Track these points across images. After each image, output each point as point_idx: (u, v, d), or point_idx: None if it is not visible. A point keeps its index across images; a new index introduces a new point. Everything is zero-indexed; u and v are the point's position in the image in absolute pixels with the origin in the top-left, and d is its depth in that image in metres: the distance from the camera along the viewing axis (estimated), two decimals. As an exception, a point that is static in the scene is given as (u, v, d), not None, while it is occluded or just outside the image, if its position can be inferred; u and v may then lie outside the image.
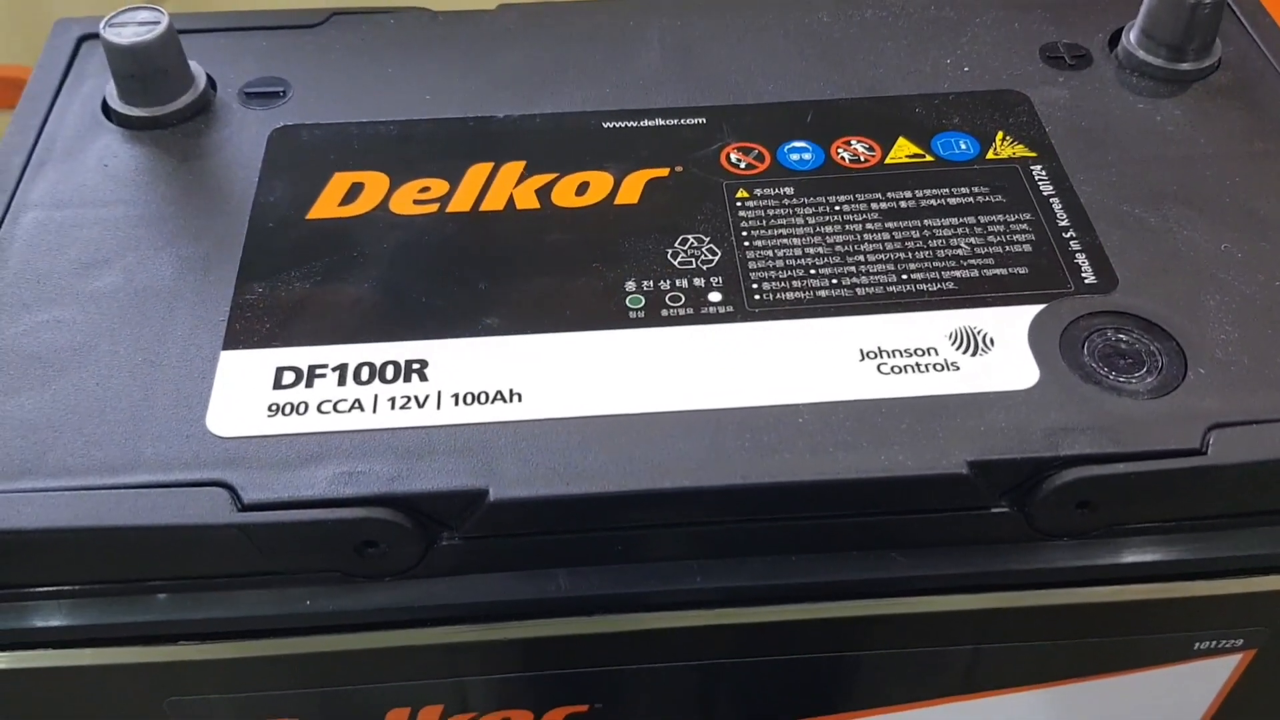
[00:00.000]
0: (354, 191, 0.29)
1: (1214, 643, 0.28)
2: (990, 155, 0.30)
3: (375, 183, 0.29)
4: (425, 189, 0.29)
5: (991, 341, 0.25)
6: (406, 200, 0.29)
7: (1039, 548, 0.25)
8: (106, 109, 0.31)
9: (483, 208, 0.29)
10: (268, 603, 0.24)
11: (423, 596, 0.24)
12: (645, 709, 0.28)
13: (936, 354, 0.25)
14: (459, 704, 0.28)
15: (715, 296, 0.26)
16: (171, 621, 0.24)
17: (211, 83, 0.32)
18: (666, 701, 0.28)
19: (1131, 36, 0.32)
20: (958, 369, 0.25)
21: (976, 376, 0.25)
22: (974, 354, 0.25)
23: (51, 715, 0.27)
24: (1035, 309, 0.26)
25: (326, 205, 0.29)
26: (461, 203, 0.29)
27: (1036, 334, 0.25)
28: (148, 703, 0.27)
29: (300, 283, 0.27)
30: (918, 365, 0.25)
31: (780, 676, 0.28)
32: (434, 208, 0.29)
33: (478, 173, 0.29)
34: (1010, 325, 0.26)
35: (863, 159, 0.30)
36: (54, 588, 0.24)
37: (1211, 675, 0.29)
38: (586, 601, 0.25)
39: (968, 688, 0.28)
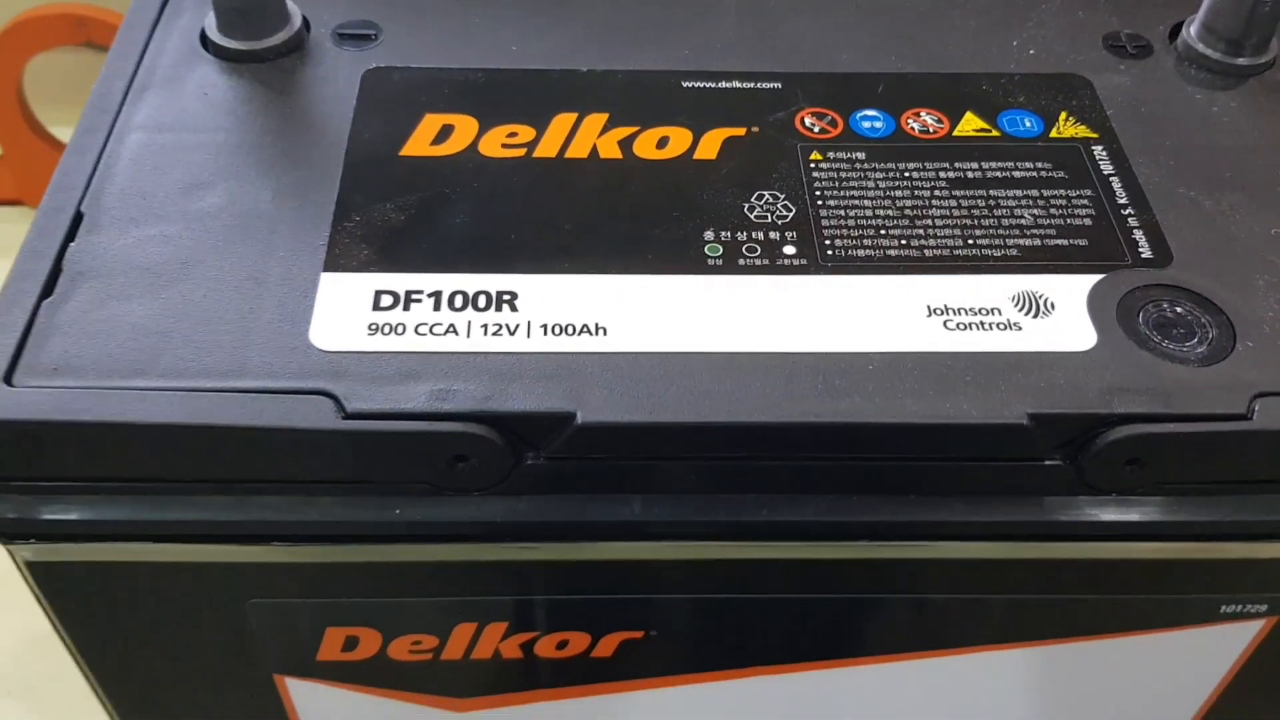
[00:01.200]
0: (444, 133, 0.30)
1: (1240, 607, 0.29)
2: (1053, 134, 0.31)
3: (465, 125, 0.30)
4: (513, 134, 0.30)
5: (1052, 305, 0.27)
6: (495, 144, 0.30)
7: (1088, 501, 0.26)
8: (204, 41, 0.32)
9: (567, 155, 0.30)
10: (359, 509, 0.25)
11: (505, 513, 0.26)
12: (697, 640, 0.30)
13: (1000, 314, 0.27)
14: (522, 623, 0.29)
15: (790, 249, 0.28)
16: (265, 522, 0.26)
17: (305, 23, 0.33)
18: (717, 634, 0.30)
19: (1192, 30, 0.33)
20: (1020, 329, 0.26)
21: (1037, 336, 0.26)
22: (1035, 316, 0.27)
23: (140, 612, 0.28)
24: (1094, 278, 0.27)
25: (419, 144, 0.30)
26: (547, 149, 0.30)
27: (1095, 301, 0.27)
28: (231, 603, 0.28)
29: (395, 214, 0.28)
30: (982, 323, 0.26)
31: (830, 616, 0.29)
32: (521, 152, 0.30)
33: (562, 122, 0.31)
34: (1070, 292, 0.27)
35: (931, 130, 0.31)
36: (155, 483, 0.25)
37: (1233, 640, 0.30)
38: (657, 527, 0.26)
39: (1004, 638, 0.30)
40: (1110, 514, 0.26)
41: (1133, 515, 0.26)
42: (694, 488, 0.26)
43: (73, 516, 0.25)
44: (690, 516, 0.26)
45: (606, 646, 0.30)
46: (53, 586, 0.28)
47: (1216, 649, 0.31)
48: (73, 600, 0.28)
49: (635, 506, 0.26)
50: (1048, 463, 0.25)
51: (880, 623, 0.30)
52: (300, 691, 0.31)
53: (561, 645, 0.30)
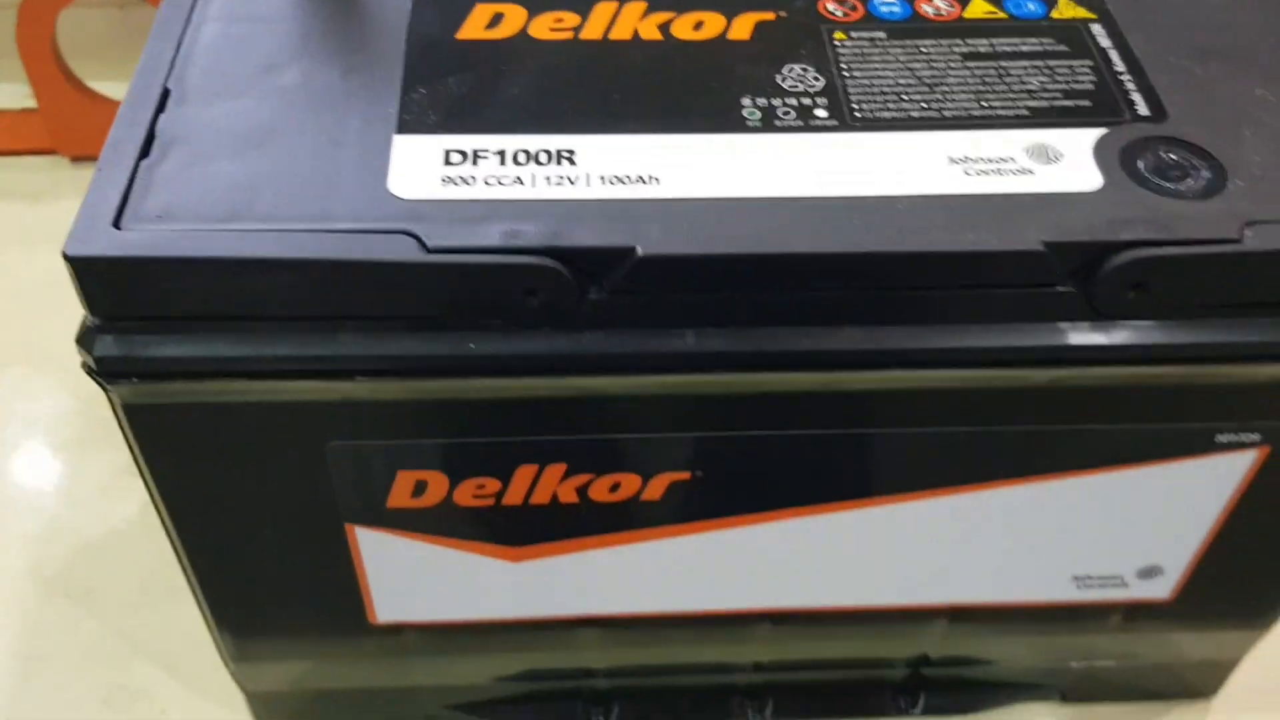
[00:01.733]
0: (496, 19, 0.33)
1: (1235, 436, 0.32)
2: (1055, 15, 0.34)
3: (514, 13, 0.33)
4: (559, 20, 0.33)
5: (1060, 154, 0.29)
6: (544, 28, 0.33)
7: (1097, 326, 0.29)
8: (267, -55, 0.35)
9: (611, 36, 0.32)
10: (436, 342, 0.28)
11: (570, 345, 0.28)
12: (740, 481, 0.33)
13: (1014, 162, 0.29)
14: (579, 464, 0.32)
15: (821, 112, 0.30)
16: (349, 357, 0.28)
17: (359, -72, 0.35)
18: (759, 473, 0.32)
19: (1180, -78, 0.36)
20: (1033, 174, 0.29)
21: (1049, 180, 0.29)
22: (1046, 163, 0.29)
23: (227, 456, 0.31)
24: (1098, 131, 0.30)
25: (473, 28, 0.32)
26: (592, 32, 0.33)
27: (1099, 150, 0.29)
28: (312, 445, 0.30)
29: (457, 87, 0.31)
30: (999, 170, 0.29)
31: (865, 453, 0.32)
32: (569, 35, 0.32)
33: (604, 8, 0.33)
34: (1076, 143, 0.30)
35: (944, 13, 0.34)
36: (248, 320, 0.28)
37: (1229, 472, 0.33)
38: (708, 358, 0.28)
39: (1019, 472, 0.33)
40: (1117, 337, 0.29)
41: (1138, 338, 0.29)
42: (742, 320, 0.28)
43: (172, 353, 0.28)
44: (739, 347, 0.28)
45: (656, 488, 0.32)
46: (146, 430, 0.30)
47: (1214, 481, 0.33)
48: (164, 445, 0.30)
49: (690, 338, 0.28)
50: (1060, 289, 0.28)
51: (906, 458, 0.32)
52: (369, 541, 0.34)
53: (614, 488, 0.32)
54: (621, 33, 0.33)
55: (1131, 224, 0.28)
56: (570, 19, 0.33)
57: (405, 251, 0.27)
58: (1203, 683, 0.44)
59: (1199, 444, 0.32)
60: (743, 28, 0.33)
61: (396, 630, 0.38)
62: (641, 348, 0.28)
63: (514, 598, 0.36)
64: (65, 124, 0.63)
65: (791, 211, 0.28)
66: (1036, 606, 0.38)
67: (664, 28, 0.33)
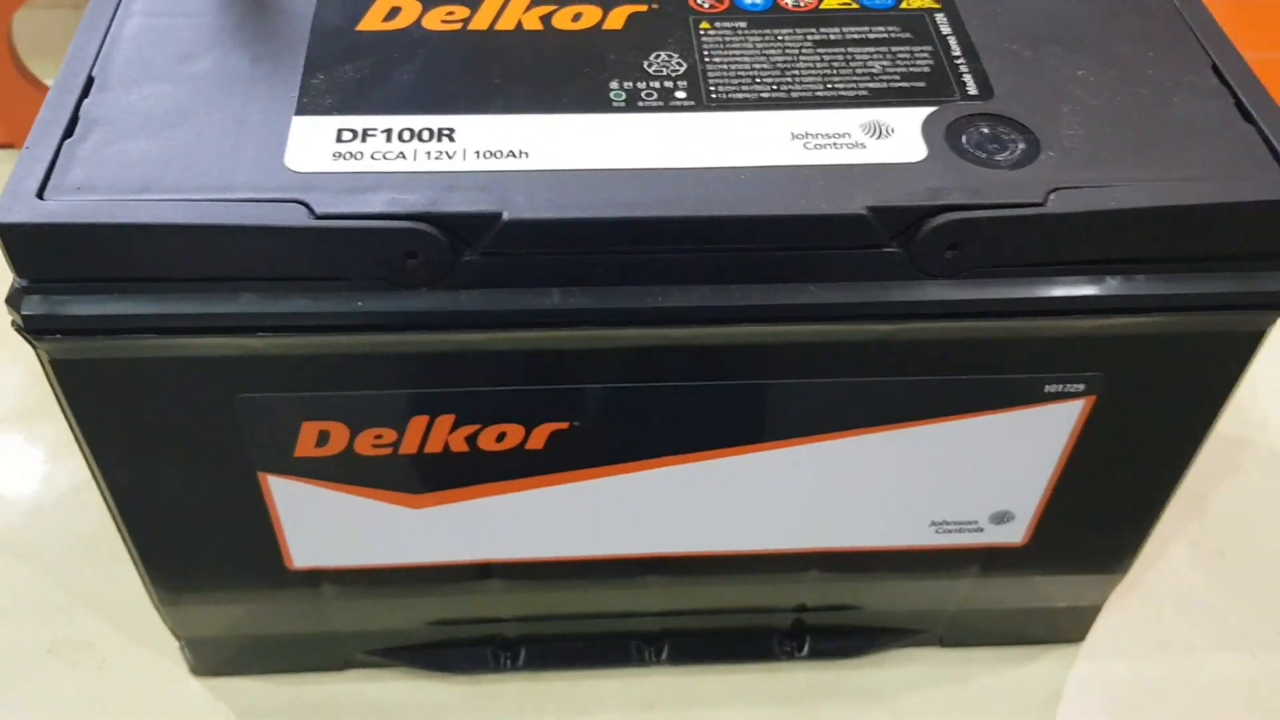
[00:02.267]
0: (393, 12, 0.36)
1: (1061, 386, 0.35)
2: (903, 5, 0.37)
3: (410, 6, 0.36)
4: (451, 12, 0.36)
5: (892, 130, 0.33)
6: (436, 20, 0.36)
7: (922, 284, 0.32)
8: (187, -55, 0.38)
9: (497, 27, 0.36)
10: (328, 301, 0.31)
11: (448, 304, 0.31)
12: (611, 430, 0.36)
13: (850, 137, 0.33)
14: (466, 415, 0.35)
15: (681, 94, 0.34)
16: (249, 314, 0.31)
17: (273, -71, 0.39)
18: (630, 424, 0.36)
19: (1024, -77, 0.39)
20: (865, 147, 0.32)
21: (879, 153, 0.32)
22: (878, 138, 0.33)
23: (145, 408, 0.34)
24: (928, 109, 0.33)
25: (372, 20, 0.36)
26: (480, 23, 0.36)
27: (927, 126, 0.33)
28: (222, 398, 0.34)
29: (353, 74, 0.34)
30: (835, 144, 0.32)
31: (720, 404, 0.35)
32: (458, 26, 0.36)
33: (493, 3, 0.36)
34: (907, 120, 0.33)
35: (803, 4, 0.37)
36: (158, 281, 0.31)
37: (1060, 421, 0.36)
38: (572, 314, 0.32)
39: (864, 422, 0.36)
40: (940, 294, 0.32)
41: (958, 294, 0.32)
42: (601, 280, 0.32)
43: (91, 311, 0.31)
44: (599, 304, 0.32)
45: (538, 438, 0.36)
46: (72, 385, 0.33)
47: (1049, 429, 0.37)
48: (89, 398, 0.33)
49: (555, 296, 0.32)
50: (886, 250, 0.31)
51: (762, 410, 0.36)
52: (281, 489, 0.37)
53: (500, 438, 0.36)
54: (506, 24, 0.36)
55: (948, 190, 0.31)
56: (461, 11, 0.36)
57: (296, 218, 0.30)
58: (1071, 627, 0.48)
59: (1030, 394, 0.36)
60: (617, 19, 0.36)
61: (313, 576, 0.41)
62: (511, 305, 0.32)
63: (418, 544, 0.39)
64: (21, 119, 0.65)
65: (646, 181, 0.31)
66: (900, 551, 0.41)
67: (545, 19, 0.36)
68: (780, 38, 0.36)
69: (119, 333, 0.31)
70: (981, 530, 0.41)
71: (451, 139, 0.32)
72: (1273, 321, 0.34)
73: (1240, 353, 0.35)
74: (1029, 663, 0.48)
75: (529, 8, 0.36)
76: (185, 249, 0.30)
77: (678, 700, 0.47)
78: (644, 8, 0.37)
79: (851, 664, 0.48)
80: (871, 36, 0.36)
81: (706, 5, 0.37)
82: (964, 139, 0.33)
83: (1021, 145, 0.32)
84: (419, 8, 0.36)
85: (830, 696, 0.47)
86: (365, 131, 0.32)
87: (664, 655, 0.47)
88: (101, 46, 0.34)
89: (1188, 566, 0.52)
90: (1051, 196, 0.31)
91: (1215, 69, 0.35)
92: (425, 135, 0.32)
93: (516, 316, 0.32)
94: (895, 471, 0.38)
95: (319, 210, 0.30)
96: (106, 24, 0.35)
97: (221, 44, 0.35)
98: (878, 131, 0.33)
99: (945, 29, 0.36)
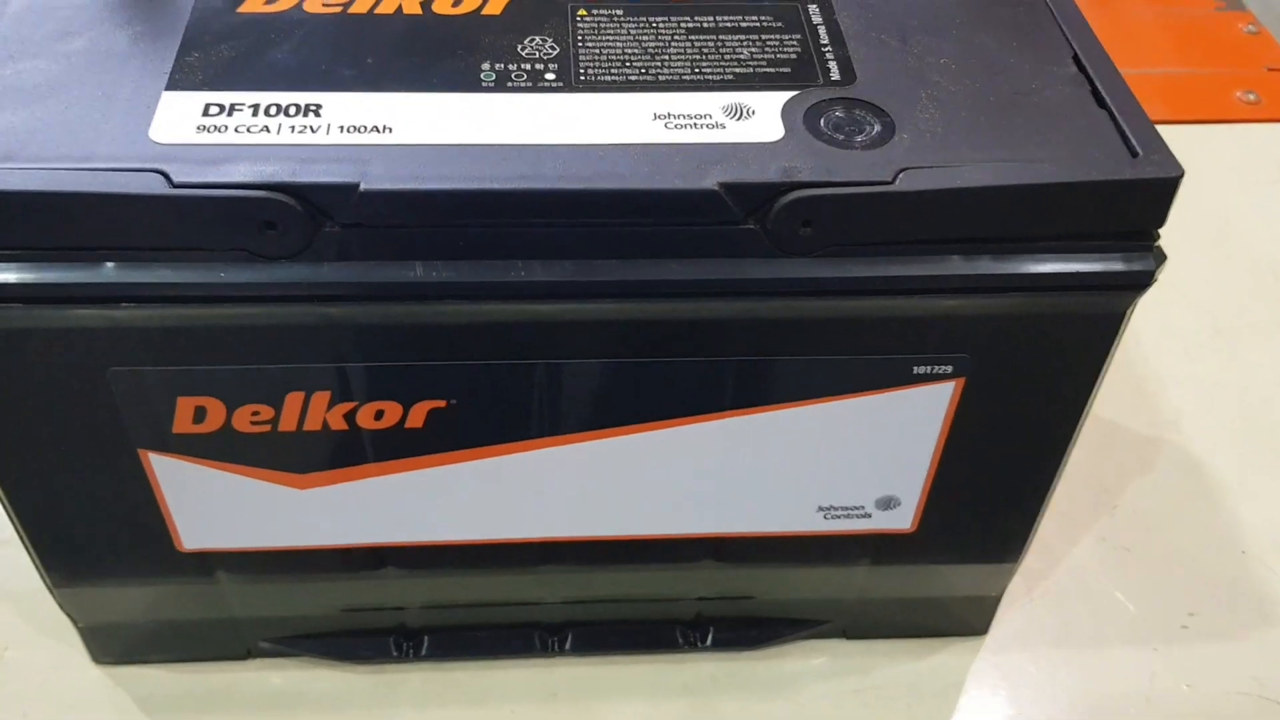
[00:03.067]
0: (277, -3, 0.37)
1: (929, 368, 0.36)
2: (780, -3, 0.38)
3: (294, -8, 0.37)
4: (333, -3, 0.37)
5: (753, 112, 0.34)
6: (317, 3, 0.37)
7: (779, 262, 0.33)
8: (81, -67, 0.39)
9: (376, 11, 0.36)
10: (190, 271, 0.32)
11: (309, 275, 0.32)
12: (487, 408, 0.36)
13: (710, 119, 0.33)
14: (342, 392, 0.35)
15: (550, 76, 0.34)
16: (113, 284, 0.32)
17: (168, -81, 0.39)
18: (502, 403, 0.36)
19: (904, -81, 0.40)
20: (724, 128, 0.33)
21: (737, 133, 0.33)
22: (738, 119, 0.33)
23: (19, 383, 0.34)
24: (790, 94, 0.34)
25: (254, 3, 0.36)
26: (360, 7, 0.36)
27: (787, 109, 0.34)
28: (95, 371, 0.34)
29: (229, 52, 0.34)
30: (694, 124, 0.33)
31: (588, 382, 0.36)
32: (338, 9, 0.36)
33: (376, -11, 0.37)
34: (768, 103, 0.34)
35: (681, -6, 0.38)
36: (21, 250, 0.31)
37: (933, 403, 0.37)
38: (434, 287, 0.32)
39: (736, 403, 0.36)
40: (797, 271, 0.33)
41: (815, 271, 0.33)
42: (463, 253, 0.32)
43: (-46, 281, 0.31)
44: (460, 278, 0.32)
45: (417, 416, 0.36)
46: (-56, 357, 0.33)
47: (922, 412, 0.37)
48: (-38, 372, 0.34)
49: (417, 269, 0.32)
50: (742, 227, 0.32)
51: (631, 389, 0.36)
52: (163, 467, 0.37)
53: (379, 416, 0.36)
54: (386, 8, 0.37)
55: (800, 169, 0.32)
56: (343, -3, 0.37)
57: (154, 186, 0.30)
58: (972, 619, 0.48)
59: (899, 376, 0.36)
60: (496, 5, 0.37)
61: (206, 559, 0.41)
62: (374, 277, 0.32)
63: (307, 526, 0.40)
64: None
65: (506, 156, 0.32)
66: (791, 538, 0.42)
67: (425, 4, 0.37)
68: (654, 24, 0.36)
69: (-15, 302, 0.32)
70: (869, 516, 0.41)
71: (317, 114, 0.33)
72: (1130, 304, 0.35)
73: (1102, 336, 0.35)
74: (931, 654, 0.48)
75: (411, -5, 0.37)
76: (46, 217, 0.31)
77: (581, 690, 0.47)
78: (524, -6, 0.37)
79: (756, 655, 0.48)
80: (744, 25, 0.37)
81: (586, -6, 0.38)
82: (821, 121, 0.33)
83: (877, 128, 0.33)
84: (302, -7, 0.37)
85: (734, 688, 0.47)
86: (232, 106, 0.33)
87: (567, 645, 0.47)
88: (-18, 27, 0.35)
89: (1095, 561, 0.52)
90: (900, 175, 0.32)
91: (1075, 58, 0.36)
92: (291, 110, 0.33)
93: (379, 289, 0.32)
94: (776, 455, 0.38)
95: (177, 179, 0.30)
96: (-10, 6, 0.36)
97: (101, 23, 0.35)
98: (739, 113, 0.33)
99: (816, 18, 0.37)
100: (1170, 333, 0.63)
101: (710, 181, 0.31)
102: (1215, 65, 0.75)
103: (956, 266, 0.33)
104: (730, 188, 0.31)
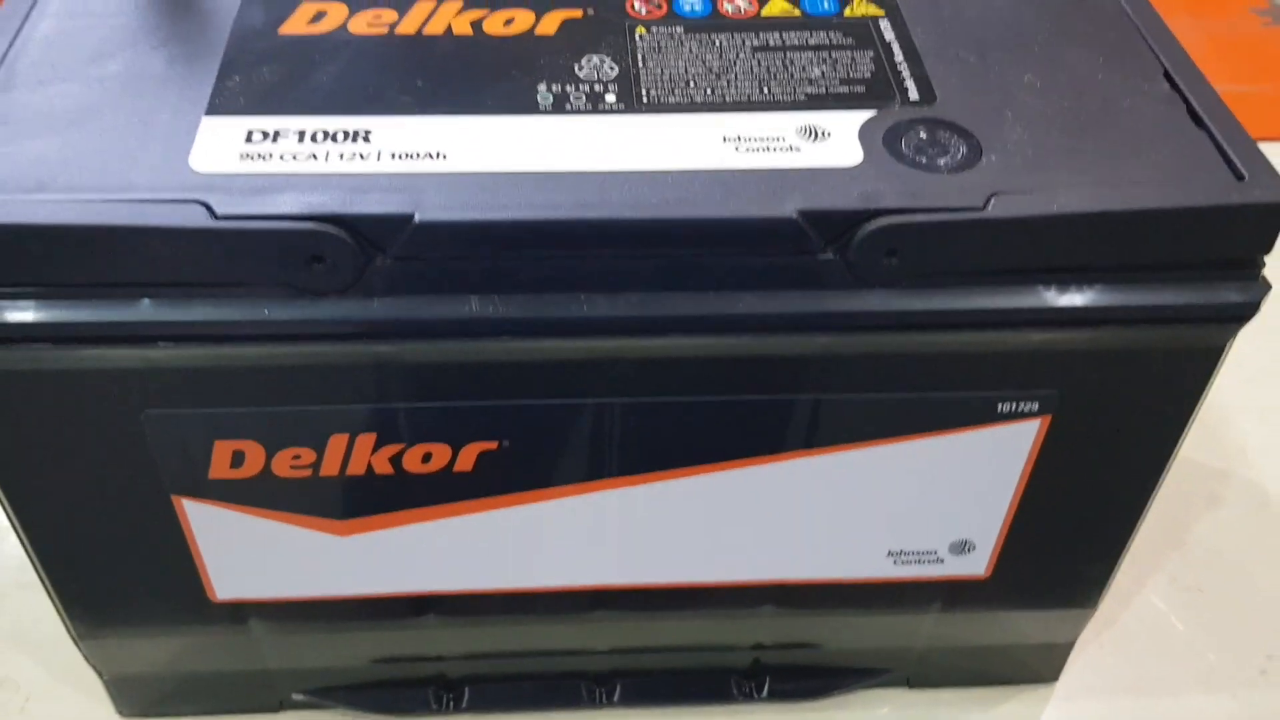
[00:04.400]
0: (319, 16, 0.35)
1: (1014, 405, 0.34)
2: (848, 13, 0.36)
3: (336, 10, 0.35)
4: (378, 16, 0.35)
5: (829, 134, 0.31)
6: (362, 24, 0.35)
7: (860, 294, 0.30)
8: (113, -48, 0.37)
9: (425, 32, 0.34)
10: (232, 308, 0.30)
11: (359, 312, 0.30)
12: (544, 450, 0.34)
13: (783, 140, 0.31)
14: (389, 434, 0.33)
15: (611, 98, 0.32)
16: (151, 323, 0.29)
17: (203, -63, 0.38)
18: (559, 444, 0.34)
19: (974, -69, 0.38)
20: (799, 151, 0.31)
21: (813, 156, 0.31)
22: (814, 141, 0.31)
23: (48, 427, 0.32)
24: (867, 114, 0.32)
25: (296, 24, 0.34)
26: (408, 27, 0.35)
27: (865, 130, 0.31)
28: (128, 414, 0.32)
29: (271, 75, 0.33)
30: (768, 147, 0.31)
31: (654, 424, 0.33)
32: (384, 30, 0.34)
33: (423, 6, 0.35)
34: (845, 124, 0.32)
35: (742, 11, 0.36)
36: (52, 287, 0.29)
37: (1017, 441, 0.35)
38: (491, 323, 0.30)
39: (811, 442, 0.34)
40: (880, 303, 0.30)
41: (899, 304, 0.30)
42: (522, 287, 0.30)
43: (-18, 319, 0.29)
44: (518, 313, 0.30)
45: (467, 459, 0.34)
46: (-32, 400, 0.31)
47: (1004, 451, 0.35)
48: (-13, 414, 0.32)
49: (473, 304, 0.30)
50: (821, 257, 0.30)
51: (703, 428, 0.34)
52: (197, 514, 0.35)
53: (426, 459, 0.34)
54: (435, 28, 0.35)
55: (884, 195, 0.30)
56: (388, 15, 0.35)
57: (195, 219, 0.28)
58: (1043, 666, 0.45)
59: (981, 414, 0.34)
60: (550, 24, 0.35)
61: (239, 609, 0.39)
62: (426, 313, 0.30)
63: (347, 574, 0.38)
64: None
65: (567, 183, 0.30)
66: (858, 584, 0.39)
67: (476, 24, 0.35)
68: (718, 43, 0.34)
69: (13, 342, 0.30)
70: (942, 562, 0.39)
71: (367, 140, 0.31)
72: (1232, 336, 0.32)
73: (1200, 370, 0.33)
74: (1000, 704, 0.46)
75: (460, 12, 0.35)
76: (80, 252, 0.29)
77: (630, 744, 0.45)
78: (578, 13, 0.35)
79: (814, 706, 0.45)
80: (812, 42, 0.35)
81: (644, 11, 0.36)
82: (903, 143, 0.31)
83: (963, 150, 0.31)
84: (345, 11, 0.35)
85: (791, 740, 0.45)
86: (276, 132, 0.31)
87: (616, 696, 0.45)
88: (10, 48, 0.33)
89: (1165, 603, 0.49)
90: (992, 201, 0.30)
91: (1167, 75, 0.34)
92: (339, 137, 0.31)
93: (433, 325, 0.30)
94: (846, 497, 0.36)
95: (220, 211, 0.28)
96: (18, 26, 0.34)
97: (136, 45, 0.33)
98: (813, 135, 0.31)
99: (889, 35, 0.35)
100: (1232, 358, 0.60)
101: (788, 209, 0.29)
102: (1266, 81, 0.73)
103: (1049, 298, 0.31)
104: (810, 215, 0.29)
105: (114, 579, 0.37)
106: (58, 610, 0.39)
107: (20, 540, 0.36)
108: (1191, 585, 0.50)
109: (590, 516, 0.36)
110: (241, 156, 0.30)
